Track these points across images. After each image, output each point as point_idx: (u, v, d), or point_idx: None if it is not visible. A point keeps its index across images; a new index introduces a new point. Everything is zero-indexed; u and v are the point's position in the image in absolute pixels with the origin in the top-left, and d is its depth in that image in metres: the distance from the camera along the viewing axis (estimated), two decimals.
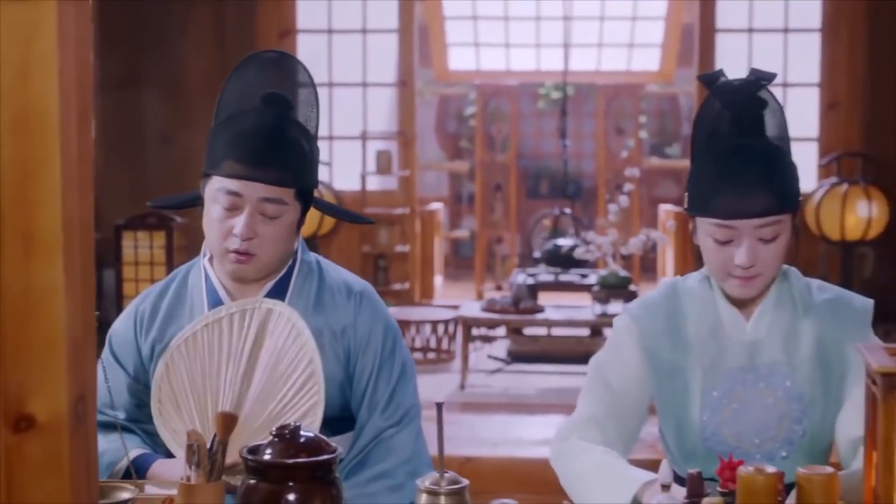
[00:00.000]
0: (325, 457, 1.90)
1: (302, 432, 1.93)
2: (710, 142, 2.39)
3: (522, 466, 5.26)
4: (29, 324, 1.58)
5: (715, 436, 2.44)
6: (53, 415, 1.59)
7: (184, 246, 6.67)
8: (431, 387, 6.63)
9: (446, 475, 2.03)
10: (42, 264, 1.57)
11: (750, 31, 8.35)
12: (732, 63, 8.10)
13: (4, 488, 1.59)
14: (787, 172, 2.39)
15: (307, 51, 8.28)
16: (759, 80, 2.41)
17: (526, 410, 6.47)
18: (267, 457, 1.90)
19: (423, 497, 2.02)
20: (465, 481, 2.04)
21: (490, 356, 7.74)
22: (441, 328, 7.69)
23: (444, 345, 7.70)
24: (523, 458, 5.41)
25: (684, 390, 2.47)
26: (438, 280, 9.97)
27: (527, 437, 5.82)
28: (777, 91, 7.97)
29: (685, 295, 2.53)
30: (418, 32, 8.96)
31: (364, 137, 8.62)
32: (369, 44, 8.70)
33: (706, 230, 2.39)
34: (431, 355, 7.63)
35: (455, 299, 9.03)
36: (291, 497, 1.88)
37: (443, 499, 2.01)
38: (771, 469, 1.86)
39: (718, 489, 2.03)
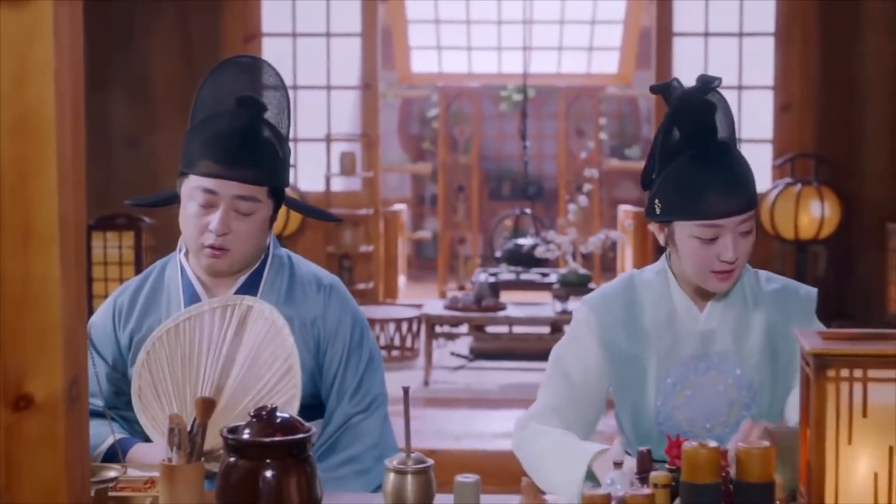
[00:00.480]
0: (300, 436, 2.03)
1: (278, 413, 2.07)
2: (677, 150, 2.52)
3: (485, 458, 5.38)
4: (27, 311, 1.69)
5: (669, 420, 2.58)
6: (50, 395, 1.70)
7: (152, 246, 6.75)
8: (396, 383, 6.73)
9: (412, 455, 2.15)
10: (39, 257, 1.69)
11: (706, 34, 8.48)
12: (689, 66, 8.25)
13: (4, 463, 1.71)
14: (750, 168, 2.56)
15: (272, 54, 8.35)
16: (709, 84, 2.56)
17: (488, 405, 6.60)
18: (245, 436, 2.02)
19: (391, 476, 2.14)
20: (431, 461, 2.16)
21: (453, 353, 7.87)
22: (405, 326, 7.79)
23: (408, 343, 7.79)
24: (485, 450, 5.55)
25: (641, 377, 2.61)
26: (402, 280, 10.07)
27: (489, 431, 5.95)
28: (732, 93, 8.20)
29: (642, 286, 2.67)
30: (381, 36, 9.05)
31: (328, 139, 8.71)
32: (333, 47, 8.77)
33: (689, 232, 2.52)
34: (395, 353, 7.73)
35: (418, 299, 9.12)
36: (269, 474, 2.00)
37: (409, 477, 2.13)
38: (713, 444, 2.00)
39: (667, 466, 2.16)
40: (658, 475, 2.04)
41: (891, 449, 1.91)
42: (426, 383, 7.03)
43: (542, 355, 7.85)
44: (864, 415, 1.92)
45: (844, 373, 1.92)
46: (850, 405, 1.92)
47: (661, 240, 2.62)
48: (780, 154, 8.19)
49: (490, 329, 7.77)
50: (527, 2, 9.95)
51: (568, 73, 11.46)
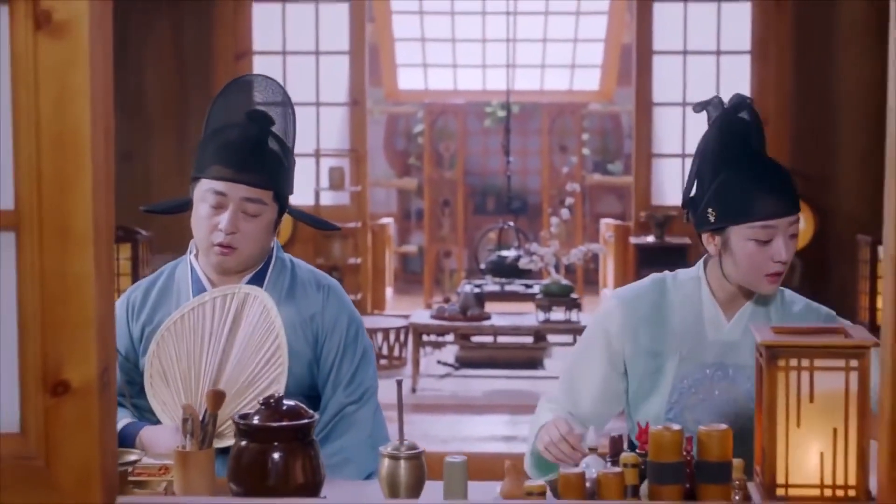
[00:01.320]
0: (305, 421, 2.24)
1: (284, 401, 2.28)
2: (723, 163, 2.71)
3: (469, 460, 5.53)
4: (65, 305, 1.90)
5: (678, 417, 2.76)
6: (85, 381, 1.91)
7: (149, 258, 6.93)
8: (384, 390, 6.91)
9: (405, 442, 2.34)
10: (75, 256, 1.90)
11: (685, 52, 8.63)
12: (668, 83, 8.45)
13: (44, 443, 1.91)
14: (790, 174, 2.75)
15: (262, 71, 8.39)
16: (744, 101, 2.76)
17: (473, 411, 6.78)
18: (255, 421, 2.23)
19: (386, 462, 2.32)
20: (422, 447, 2.35)
21: (439, 361, 8.03)
22: (393, 336, 7.95)
23: (396, 352, 7.93)
24: (471, 452, 5.71)
25: (659, 372, 2.80)
26: (389, 293, 10.21)
27: (474, 435, 6.17)
28: None
29: (673, 288, 2.85)
30: (369, 53, 9.18)
31: (317, 154, 8.83)
32: (322, 65, 8.89)
33: (746, 235, 2.68)
34: (384, 361, 7.84)
35: (405, 311, 9.25)
36: (276, 456, 2.21)
37: (403, 463, 2.31)
38: (676, 427, 2.21)
39: (637, 451, 2.37)
40: (627, 456, 2.25)
41: (835, 431, 2.12)
42: (414, 390, 7.19)
43: (526, 364, 8.07)
44: (811, 400, 2.13)
45: (793, 362, 2.13)
46: (798, 392, 2.13)
47: (713, 250, 2.77)
48: None
49: (475, 338, 7.92)
50: (510, 21, 10.13)
51: (551, 90, 11.58)
